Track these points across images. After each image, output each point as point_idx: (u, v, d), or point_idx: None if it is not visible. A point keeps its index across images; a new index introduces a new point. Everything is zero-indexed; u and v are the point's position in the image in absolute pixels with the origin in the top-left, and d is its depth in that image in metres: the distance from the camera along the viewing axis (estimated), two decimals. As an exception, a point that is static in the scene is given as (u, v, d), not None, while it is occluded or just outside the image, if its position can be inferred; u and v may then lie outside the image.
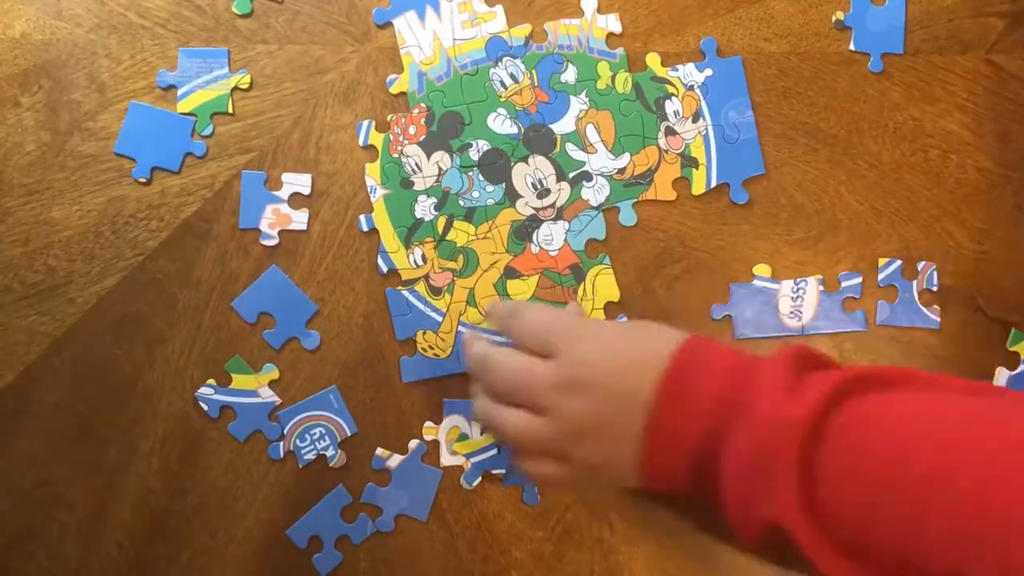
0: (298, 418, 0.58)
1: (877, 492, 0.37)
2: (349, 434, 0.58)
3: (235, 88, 0.60)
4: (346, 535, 0.57)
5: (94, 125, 0.60)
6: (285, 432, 0.58)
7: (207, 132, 0.60)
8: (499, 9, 0.61)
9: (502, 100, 0.60)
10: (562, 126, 0.60)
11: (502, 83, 0.60)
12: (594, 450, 0.45)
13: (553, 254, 0.59)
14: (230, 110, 0.60)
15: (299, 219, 0.59)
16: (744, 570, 0.57)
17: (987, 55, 0.60)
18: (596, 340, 0.48)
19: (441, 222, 0.59)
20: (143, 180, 0.60)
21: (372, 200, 0.59)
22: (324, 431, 0.58)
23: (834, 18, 0.61)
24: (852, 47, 0.60)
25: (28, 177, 0.60)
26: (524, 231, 0.59)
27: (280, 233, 0.59)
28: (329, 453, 0.58)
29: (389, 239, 0.59)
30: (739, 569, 0.57)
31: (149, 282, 0.59)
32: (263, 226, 0.59)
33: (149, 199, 0.60)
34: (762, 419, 0.40)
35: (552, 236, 0.59)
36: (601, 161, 0.60)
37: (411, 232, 0.59)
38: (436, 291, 0.59)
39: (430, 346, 0.59)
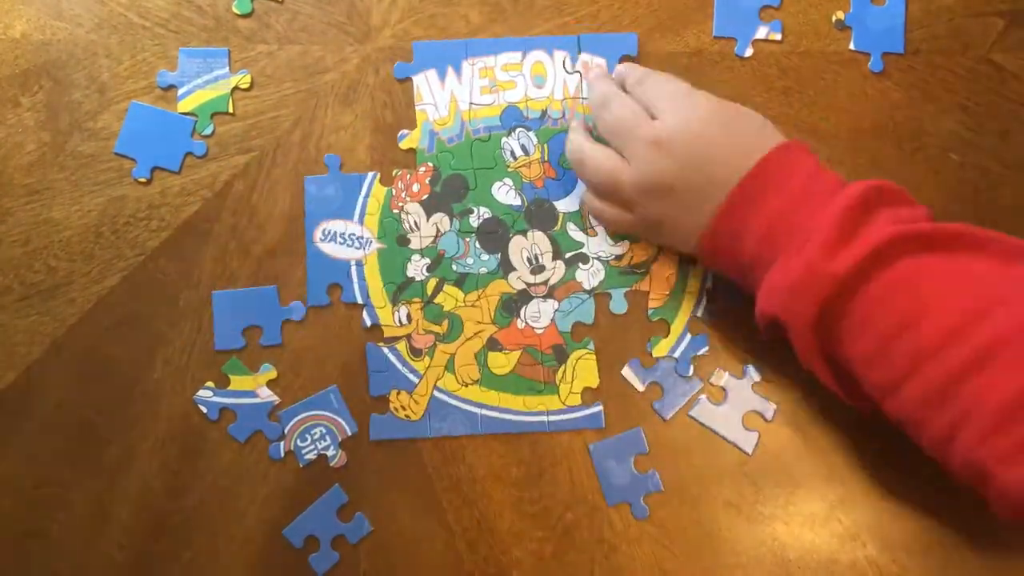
0: (299, 418, 0.58)
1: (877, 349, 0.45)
2: (350, 434, 0.58)
3: (235, 88, 0.60)
4: (342, 535, 0.57)
5: (94, 125, 0.60)
6: (285, 432, 0.58)
7: (207, 132, 0.60)
8: (520, 79, 0.61)
9: (510, 170, 0.60)
10: (566, 205, 0.60)
11: (512, 153, 0.60)
12: (664, 211, 0.52)
13: (538, 332, 0.59)
14: (230, 110, 0.60)
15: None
16: (745, 568, 0.57)
17: (987, 54, 0.60)
18: (688, 127, 0.51)
19: (431, 284, 0.59)
20: (143, 180, 0.60)
21: (365, 252, 0.59)
22: (325, 431, 0.58)
23: (834, 18, 0.61)
24: (852, 46, 0.60)
25: (28, 177, 0.60)
26: (513, 305, 0.59)
27: None
28: (330, 453, 0.58)
29: (377, 294, 0.59)
30: (740, 567, 0.57)
31: (149, 282, 0.59)
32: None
33: (149, 199, 0.60)
34: (802, 266, 0.45)
35: (540, 314, 0.59)
36: (600, 245, 0.59)
37: (400, 290, 0.59)
38: (416, 352, 0.59)
39: (402, 406, 0.58)
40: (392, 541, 0.58)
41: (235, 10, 0.61)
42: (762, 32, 0.61)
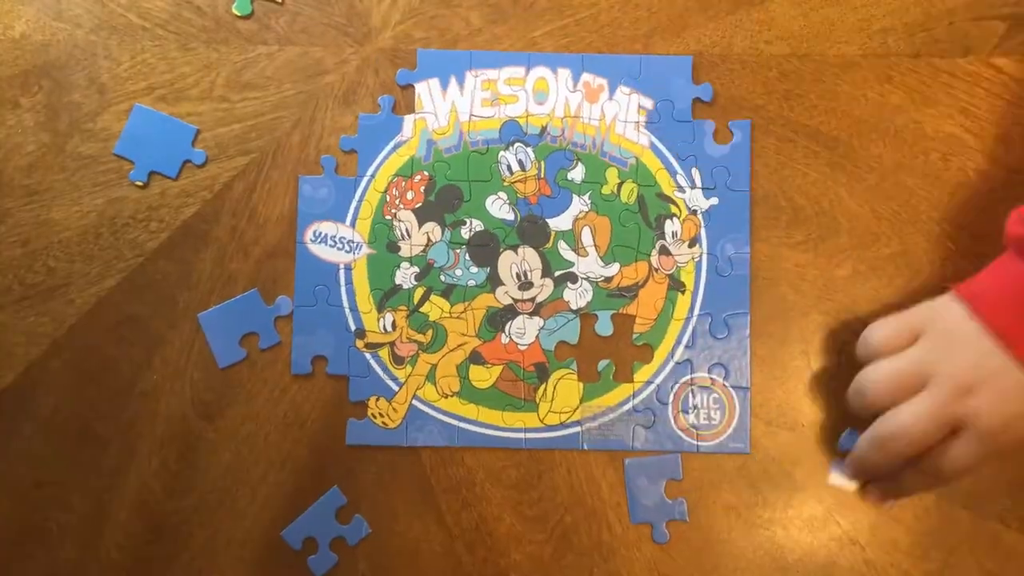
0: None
1: None
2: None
3: None
4: (341, 537, 0.57)
5: (94, 126, 0.60)
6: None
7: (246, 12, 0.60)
8: (522, 93, 0.60)
9: (505, 184, 0.60)
10: (559, 223, 0.59)
11: (509, 168, 0.60)
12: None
13: (522, 348, 0.59)
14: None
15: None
16: (744, 572, 0.57)
17: (988, 58, 0.60)
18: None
19: (418, 293, 0.59)
20: (140, 183, 0.60)
21: (355, 257, 0.59)
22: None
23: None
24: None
25: (28, 178, 0.60)
26: (498, 319, 0.59)
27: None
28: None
29: (363, 299, 0.59)
30: (738, 571, 0.57)
31: (148, 283, 0.59)
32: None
33: (148, 200, 0.60)
34: None
35: (525, 330, 0.58)
36: (590, 266, 0.59)
37: (386, 297, 0.59)
38: (398, 360, 0.58)
39: (381, 413, 0.58)
40: (391, 543, 0.58)
41: (235, 11, 0.61)
42: None
